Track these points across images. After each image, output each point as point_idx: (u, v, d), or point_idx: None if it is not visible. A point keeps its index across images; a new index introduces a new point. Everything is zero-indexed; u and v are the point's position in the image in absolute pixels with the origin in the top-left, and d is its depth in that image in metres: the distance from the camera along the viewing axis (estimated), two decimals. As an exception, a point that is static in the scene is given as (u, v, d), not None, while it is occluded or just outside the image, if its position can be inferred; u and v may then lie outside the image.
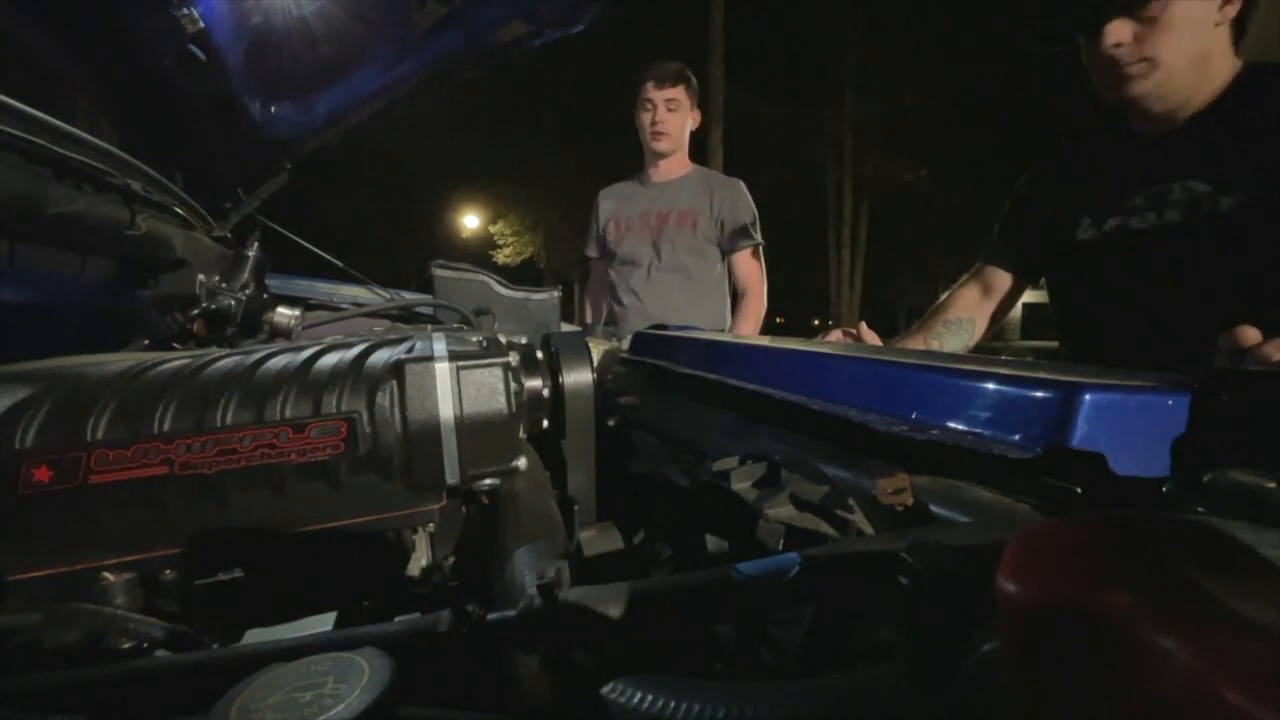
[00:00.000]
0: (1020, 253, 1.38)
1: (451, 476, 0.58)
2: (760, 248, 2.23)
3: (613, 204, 2.33)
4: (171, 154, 1.12)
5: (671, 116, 2.17)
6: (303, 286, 1.35)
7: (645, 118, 2.20)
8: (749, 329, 2.19)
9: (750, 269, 2.22)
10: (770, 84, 17.67)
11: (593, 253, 2.39)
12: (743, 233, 2.18)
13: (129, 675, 0.34)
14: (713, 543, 0.57)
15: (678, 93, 2.16)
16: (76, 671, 0.33)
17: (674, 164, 2.27)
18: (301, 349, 0.62)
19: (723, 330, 2.23)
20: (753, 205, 2.22)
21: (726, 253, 2.21)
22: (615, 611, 0.35)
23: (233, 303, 0.96)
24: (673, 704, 0.25)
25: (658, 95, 2.16)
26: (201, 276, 0.97)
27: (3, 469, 0.48)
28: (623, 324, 2.20)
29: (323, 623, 0.43)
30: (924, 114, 16.69)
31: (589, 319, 2.38)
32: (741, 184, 2.26)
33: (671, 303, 2.14)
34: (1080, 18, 1.10)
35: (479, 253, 18.64)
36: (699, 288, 2.21)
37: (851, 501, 0.53)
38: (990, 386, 0.53)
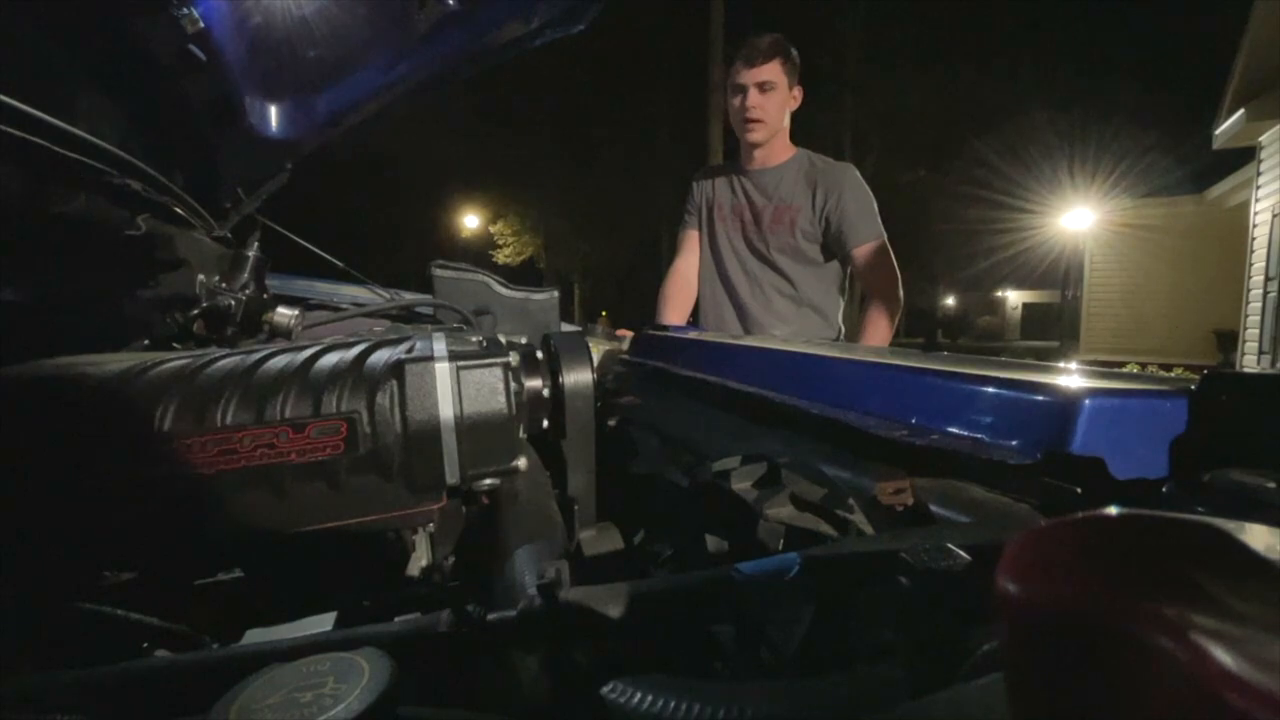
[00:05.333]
0: None
1: (451, 476, 0.58)
2: (884, 239, 1.85)
3: (705, 187, 2.04)
4: (171, 154, 1.12)
5: (766, 99, 1.81)
6: (303, 286, 1.36)
7: (736, 102, 1.85)
8: (881, 332, 1.84)
9: (874, 265, 1.84)
10: (770, 84, 17.65)
11: (693, 229, 2.07)
12: (858, 227, 1.82)
13: (129, 675, 0.34)
14: (713, 543, 0.57)
15: (772, 70, 1.79)
16: (76, 671, 0.33)
17: (773, 149, 1.90)
18: (301, 349, 0.62)
19: (837, 340, 1.98)
20: (868, 192, 1.86)
21: (840, 251, 1.87)
22: (615, 611, 0.35)
23: (233, 303, 0.96)
24: (673, 704, 0.25)
25: (749, 76, 1.79)
26: (201, 276, 0.97)
27: None
28: (720, 330, 1.96)
29: (323, 623, 0.43)
30: (924, 114, 16.68)
31: (669, 319, 2.01)
32: (853, 170, 1.89)
33: (773, 309, 1.91)
34: None
35: (479, 253, 18.64)
36: (801, 293, 1.91)
37: (851, 501, 0.53)
38: (990, 391, 0.53)
